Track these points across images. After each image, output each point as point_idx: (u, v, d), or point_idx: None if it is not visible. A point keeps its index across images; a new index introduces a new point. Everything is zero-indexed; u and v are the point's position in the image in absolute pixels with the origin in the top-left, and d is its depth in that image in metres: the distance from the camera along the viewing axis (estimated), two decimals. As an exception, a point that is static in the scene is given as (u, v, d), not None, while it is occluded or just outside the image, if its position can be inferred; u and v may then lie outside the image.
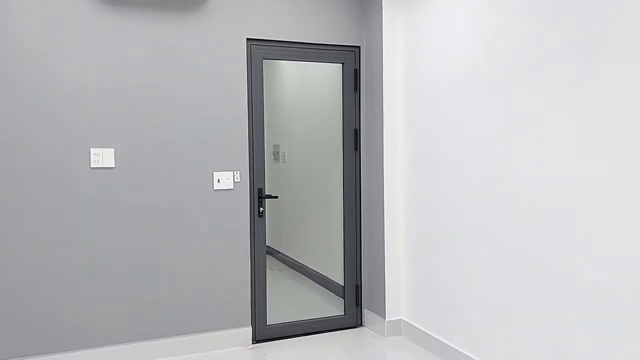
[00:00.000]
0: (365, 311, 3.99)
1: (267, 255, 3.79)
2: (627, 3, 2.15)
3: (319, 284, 4.52)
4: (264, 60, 3.67)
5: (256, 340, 3.70)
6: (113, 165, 3.28)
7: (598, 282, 2.32)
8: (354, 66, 3.92)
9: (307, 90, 4.61)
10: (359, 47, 3.92)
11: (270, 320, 3.76)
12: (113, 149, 3.27)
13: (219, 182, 3.53)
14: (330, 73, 4.19)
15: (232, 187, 3.56)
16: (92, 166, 3.23)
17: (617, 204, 2.22)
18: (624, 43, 2.17)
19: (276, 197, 3.81)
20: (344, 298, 4.00)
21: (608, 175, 2.25)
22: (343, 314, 3.97)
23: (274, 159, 5.04)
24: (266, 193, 4.01)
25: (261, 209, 3.67)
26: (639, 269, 2.14)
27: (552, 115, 2.52)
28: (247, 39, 3.60)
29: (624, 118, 2.18)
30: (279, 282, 4.70)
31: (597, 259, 2.32)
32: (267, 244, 3.77)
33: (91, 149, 3.23)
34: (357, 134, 3.95)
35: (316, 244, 4.58)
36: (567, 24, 2.42)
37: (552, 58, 2.50)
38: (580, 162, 2.38)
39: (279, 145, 4.99)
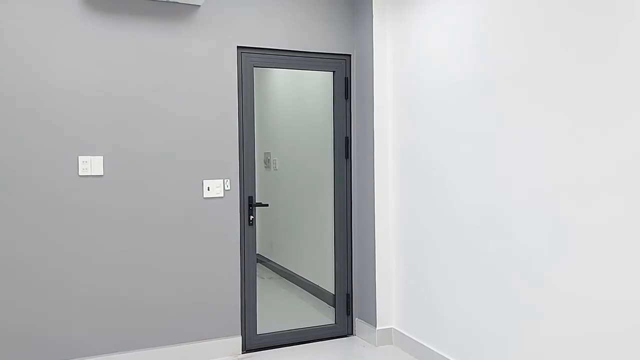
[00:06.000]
0: (356, 320, 3.97)
1: (258, 264, 3.77)
2: (619, 6, 2.17)
3: (309, 292, 4.50)
4: (254, 68, 3.67)
5: (246, 349, 3.67)
6: (101, 173, 3.25)
7: (591, 292, 2.32)
8: (345, 74, 3.93)
9: (299, 98, 4.60)
10: (350, 55, 3.93)
11: (260, 330, 3.73)
12: (102, 157, 3.25)
13: (208, 190, 3.51)
14: (321, 81, 4.19)
15: (222, 195, 3.54)
16: (80, 174, 3.20)
17: (610, 212, 2.23)
18: (616, 50, 2.18)
19: (266, 205, 3.79)
20: (334, 307, 3.98)
21: (600, 183, 2.26)
22: (334, 322, 3.95)
23: (265, 167, 5.03)
24: (257, 201, 3.99)
25: (251, 217, 3.65)
26: (634, 279, 2.15)
27: (542, 123, 2.53)
28: (238, 46, 3.59)
29: (617, 127, 2.19)
30: (269, 290, 4.67)
31: (590, 270, 2.32)
32: (257, 252, 3.75)
33: (79, 157, 3.20)
34: (348, 142, 3.95)
35: (307, 252, 4.56)
36: (558, 32, 2.43)
37: (543, 66, 2.51)
38: (571, 170, 2.39)
39: (270, 153, 4.98)
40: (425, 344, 3.42)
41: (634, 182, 2.11)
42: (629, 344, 2.14)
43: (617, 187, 2.18)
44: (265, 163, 5.03)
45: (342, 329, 3.96)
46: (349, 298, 3.98)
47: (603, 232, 2.24)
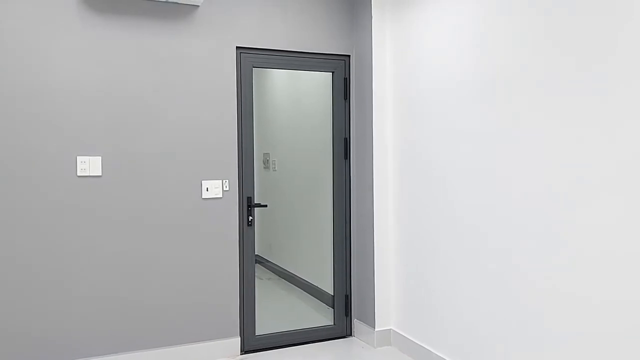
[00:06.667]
0: (355, 321, 3.96)
1: (257, 265, 3.77)
2: (619, 7, 2.17)
3: (308, 293, 4.49)
4: (253, 68, 3.66)
5: (245, 351, 3.66)
6: (100, 174, 3.24)
7: (591, 292, 2.31)
8: (344, 75, 3.92)
9: (298, 99, 4.60)
10: (349, 56, 3.92)
11: (259, 331, 3.72)
12: (100, 157, 3.24)
13: (207, 190, 3.50)
14: (321, 82, 4.19)
15: (221, 195, 3.53)
16: (78, 174, 3.19)
17: (610, 212, 2.22)
18: (616, 50, 2.18)
19: (265, 205, 3.79)
20: (333, 307, 3.97)
21: (600, 183, 2.25)
22: (332, 323, 3.94)
23: (264, 168, 5.02)
24: (256, 202, 3.99)
25: (250, 217, 3.65)
26: (634, 279, 2.14)
27: (541, 124, 2.52)
28: (237, 47, 3.59)
29: (615, 127, 2.19)
30: (268, 291, 4.66)
31: (590, 270, 2.31)
32: (256, 253, 3.74)
33: (78, 157, 3.19)
34: (347, 142, 3.95)
35: (306, 253, 4.55)
36: (558, 32, 2.43)
37: (543, 66, 2.51)
38: (571, 170, 2.38)
39: (269, 153, 4.97)
40: (424, 345, 3.41)
41: (633, 183, 2.11)
42: (629, 343, 2.14)
43: (617, 187, 2.17)
44: (264, 164, 5.02)
45: (341, 330, 3.95)
46: (347, 299, 3.97)
47: (603, 233, 2.23)
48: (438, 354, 3.27)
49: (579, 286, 2.34)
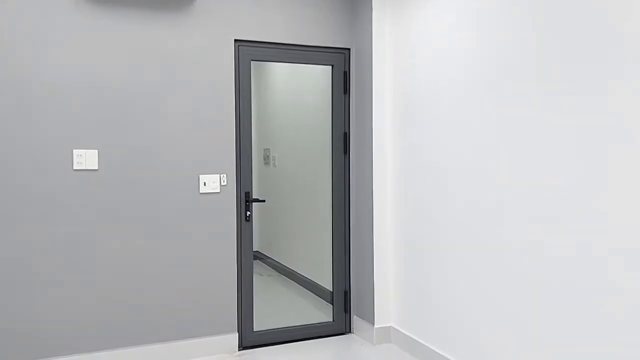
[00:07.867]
0: (354, 318, 3.92)
1: (257, 261, 3.74)
2: (620, 7, 2.12)
3: (307, 289, 4.45)
4: (252, 62, 3.62)
5: (243, 347, 3.63)
6: (96, 167, 3.22)
7: (591, 293, 2.27)
8: (344, 69, 3.88)
9: (298, 93, 4.56)
10: (349, 49, 3.88)
11: (257, 327, 3.69)
12: (96, 151, 3.21)
13: (205, 185, 3.47)
14: (321, 76, 4.15)
15: (218, 190, 3.50)
16: (74, 168, 3.17)
17: (610, 211, 2.18)
18: (617, 49, 2.14)
19: (263, 200, 3.75)
20: (332, 304, 3.94)
21: (600, 182, 2.21)
22: (331, 320, 3.91)
23: (265, 163, 4.99)
24: (255, 197, 3.95)
25: (248, 213, 3.61)
26: (632, 275, 2.10)
27: (541, 122, 2.48)
28: (235, 40, 3.55)
29: (616, 125, 2.15)
30: (268, 287, 4.63)
31: (591, 270, 2.27)
32: (257, 250, 3.71)
33: (74, 150, 3.16)
34: (346, 137, 3.91)
35: (306, 250, 4.52)
36: (559, 30, 2.38)
37: (544, 64, 2.47)
38: (572, 169, 2.34)
39: (269, 149, 4.94)
40: (424, 343, 3.37)
41: (634, 181, 2.06)
42: (632, 344, 2.10)
43: (617, 186, 2.13)
44: (264, 159, 4.99)
45: (340, 326, 3.91)
46: (347, 295, 3.93)
47: (605, 231, 2.19)
48: (438, 351, 3.23)
49: (579, 286, 2.30)
